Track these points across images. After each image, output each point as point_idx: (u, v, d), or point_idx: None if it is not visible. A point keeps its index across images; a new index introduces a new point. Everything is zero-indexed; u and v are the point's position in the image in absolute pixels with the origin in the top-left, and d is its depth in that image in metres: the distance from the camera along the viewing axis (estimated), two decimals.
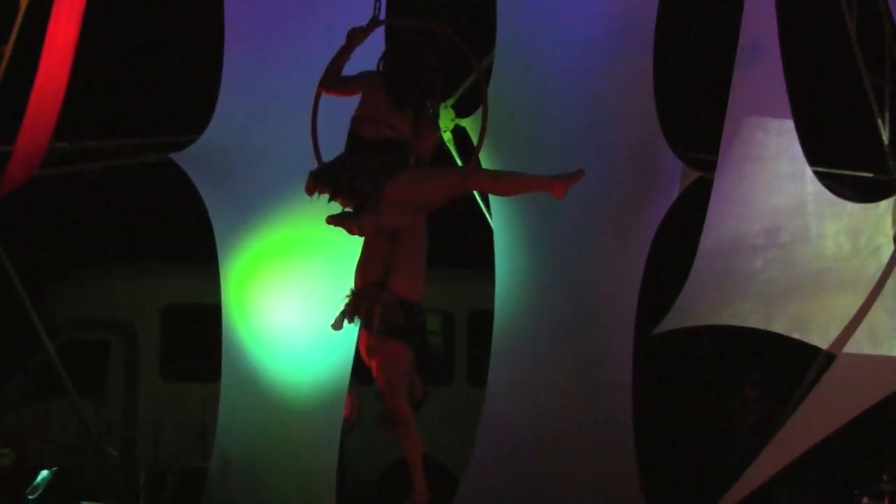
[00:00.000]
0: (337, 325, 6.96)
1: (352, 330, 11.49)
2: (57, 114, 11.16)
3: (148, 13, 15.07)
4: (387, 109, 6.54)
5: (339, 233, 7.29)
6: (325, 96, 7.08)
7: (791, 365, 11.95)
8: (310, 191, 6.57)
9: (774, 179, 10.99)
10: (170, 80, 15.43)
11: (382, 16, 6.98)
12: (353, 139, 6.56)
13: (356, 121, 6.60)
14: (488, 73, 11.20)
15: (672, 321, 11.19)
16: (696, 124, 12.88)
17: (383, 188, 6.41)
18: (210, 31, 12.06)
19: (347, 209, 6.62)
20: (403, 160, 6.54)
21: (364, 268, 6.71)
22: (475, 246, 12.48)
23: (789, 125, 10.83)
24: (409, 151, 6.60)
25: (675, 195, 11.88)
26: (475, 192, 12.28)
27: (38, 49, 10.87)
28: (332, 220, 6.55)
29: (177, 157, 11.89)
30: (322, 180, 6.50)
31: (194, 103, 12.60)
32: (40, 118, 11.12)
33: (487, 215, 12.31)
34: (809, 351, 11.12)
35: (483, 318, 13.18)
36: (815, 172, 11.11)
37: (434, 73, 6.80)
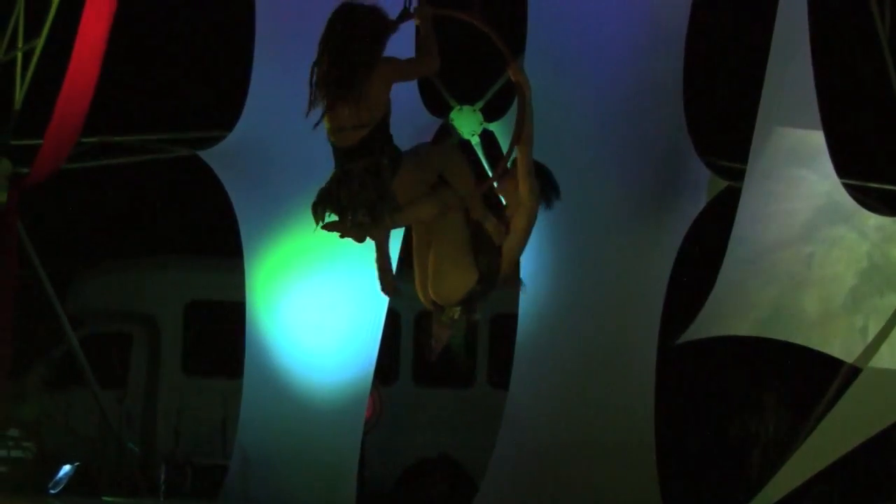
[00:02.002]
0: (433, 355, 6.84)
1: (376, 331, 11.60)
2: (86, 108, 11.19)
3: (179, 10, 15.09)
4: (345, 110, 6.29)
5: None
6: None
7: (815, 377, 11.90)
8: (317, 220, 6.40)
9: (803, 191, 10.93)
10: (200, 78, 15.45)
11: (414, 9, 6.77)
12: (336, 152, 6.38)
13: (328, 133, 6.40)
14: None
15: (696, 331, 11.15)
16: (725, 133, 12.83)
17: (391, 189, 6.26)
18: (241, 29, 12.08)
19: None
20: (395, 154, 6.38)
21: (422, 286, 6.58)
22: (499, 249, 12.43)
23: (819, 137, 10.76)
24: (388, 139, 6.39)
25: (702, 204, 11.86)
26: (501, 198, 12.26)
27: (69, 44, 10.91)
28: (329, 227, 6.31)
29: (204, 154, 11.93)
30: (322, 206, 6.34)
31: (223, 101, 12.63)
32: (70, 112, 11.16)
33: None
34: (834, 364, 11.07)
35: (504, 322, 13.16)
36: (845, 185, 11.04)
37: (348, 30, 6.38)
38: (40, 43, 11.61)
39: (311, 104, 6.20)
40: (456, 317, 6.49)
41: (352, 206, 6.16)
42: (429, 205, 6.29)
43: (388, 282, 6.65)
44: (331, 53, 6.20)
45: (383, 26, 6.31)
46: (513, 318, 12.04)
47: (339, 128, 6.18)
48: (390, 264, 6.65)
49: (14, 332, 11.84)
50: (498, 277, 6.48)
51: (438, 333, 6.64)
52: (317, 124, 6.20)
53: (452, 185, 6.33)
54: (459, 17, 6.53)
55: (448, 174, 6.37)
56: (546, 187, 6.56)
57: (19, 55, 11.86)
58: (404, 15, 6.52)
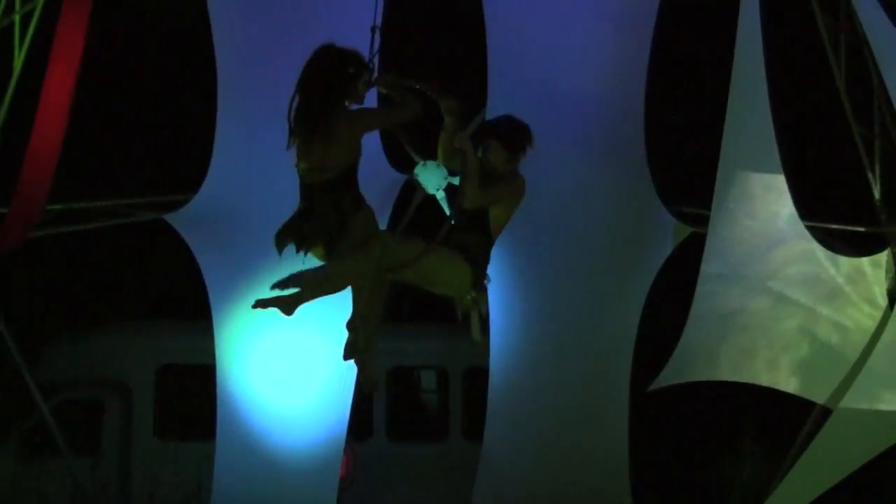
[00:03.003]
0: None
1: (348, 388, 11.58)
2: (52, 175, 11.19)
3: (141, 74, 15.15)
4: (314, 149, 6.51)
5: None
6: None
7: (787, 420, 11.94)
8: (279, 249, 6.65)
9: (767, 234, 11.01)
10: (163, 141, 15.49)
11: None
12: (303, 189, 6.60)
13: (299, 170, 6.62)
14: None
15: (667, 377, 11.18)
16: (688, 180, 12.94)
17: (348, 223, 6.48)
18: (204, 90, 12.13)
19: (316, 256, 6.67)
20: (358, 196, 6.59)
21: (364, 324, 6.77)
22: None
23: (780, 180, 10.87)
24: (356, 180, 6.63)
25: (668, 251, 11.94)
26: None
27: (32, 110, 10.92)
28: (260, 303, 6.59)
29: (170, 217, 11.92)
30: (284, 235, 6.57)
31: (187, 163, 12.66)
32: (35, 180, 11.15)
33: None
34: (805, 405, 11.12)
35: (477, 375, 13.18)
36: (808, 227, 11.14)
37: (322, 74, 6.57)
38: (2, 112, 11.61)
39: (289, 139, 6.46)
40: (475, 295, 6.76)
41: (310, 238, 6.38)
42: (362, 261, 6.45)
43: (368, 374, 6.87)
44: (300, 91, 6.42)
45: (354, 70, 6.48)
46: (484, 370, 12.06)
47: (309, 167, 6.38)
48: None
49: None
50: (489, 253, 6.72)
51: (471, 315, 6.95)
52: (297, 164, 6.43)
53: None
54: (421, 89, 6.70)
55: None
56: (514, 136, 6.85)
57: None
58: (368, 84, 6.67)
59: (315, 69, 6.54)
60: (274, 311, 11.17)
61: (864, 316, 10.79)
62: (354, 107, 6.69)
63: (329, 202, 6.46)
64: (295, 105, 6.55)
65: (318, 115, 6.42)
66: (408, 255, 6.57)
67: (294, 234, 6.55)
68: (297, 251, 6.58)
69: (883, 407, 10.13)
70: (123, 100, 15.35)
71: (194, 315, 12.81)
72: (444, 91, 6.76)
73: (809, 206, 11.41)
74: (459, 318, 7.12)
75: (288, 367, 11.52)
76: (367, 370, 6.99)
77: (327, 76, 6.49)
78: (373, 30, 7.10)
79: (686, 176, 13.31)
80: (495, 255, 11.67)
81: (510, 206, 7.03)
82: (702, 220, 11.62)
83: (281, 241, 6.61)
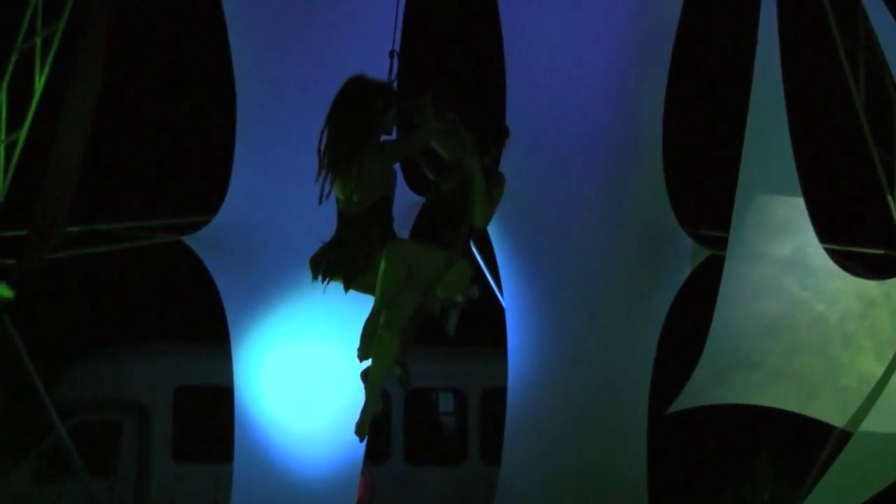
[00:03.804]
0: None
1: None
2: (70, 197, 11.23)
3: (161, 97, 15.21)
4: (349, 181, 6.54)
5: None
6: None
7: (807, 443, 11.89)
8: (314, 275, 6.68)
9: (786, 257, 10.99)
10: (183, 163, 15.54)
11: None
12: (339, 219, 6.64)
13: (336, 200, 6.65)
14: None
15: (685, 400, 11.15)
16: (706, 203, 12.93)
17: (374, 257, 6.51)
18: (223, 113, 12.17)
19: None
20: (387, 231, 6.61)
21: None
22: (486, 325, 12.50)
23: (799, 202, 10.86)
24: (388, 212, 6.67)
25: (686, 273, 11.92)
26: (486, 272, 12.40)
27: (52, 133, 10.98)
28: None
29: (189, 239, 11.95)
30: (316, 261, 6.59)
31: (206, 186, 12.70)
32: (54, 201, 11.20)
33: (499, 294, 12.34)
34: (825, 429, 11.06)
35: (495, 396, 13.15)
36: (827, 249, 11.11)
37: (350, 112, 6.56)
38: (23, 134, 11.66)
39: (319, 171, 6.47)
40: (461, 298, 6.81)
41: (334, 267, 6.41)
42: (391, 276, 6.48)
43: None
44: (332, 125, 6.43)
45: (383, 103, 6.51)
46: (502, 392, 12.04)
47: (343, 198, 6.42)
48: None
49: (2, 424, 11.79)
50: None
51: (451, 313, 6.90)
52: (326, 196, 6.43)
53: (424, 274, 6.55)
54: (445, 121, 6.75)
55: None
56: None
57: (1, 147, 11.91)
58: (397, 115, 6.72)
59: (344, 103, 6.55)
60: (290, 331, 11.36)
61: (883, 339, 10.75)
62: (384, 138, 6.71)
63: (357, 234, 6.49)
64: (325, 138, 6.56)
65: (348, 148, 6.44)
66: (436, 264, 6.58)
67: (321, 262, 6.58)
68: (323, 280, 6.59)
69: None
70: (143, 122, 15.41)
71: (212, 337, 12.82)
72: (450, 118, 6.81)
73: (828, 228, 11.40)
74: (449, 327, 7.09)
75: (305, 389, 11.52)
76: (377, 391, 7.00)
77: (357, 110, 6.50)
78: (391, 54, 7.12)
79: (704, 199, 13.30)
80: (512, 279, 11.86)
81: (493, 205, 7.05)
82: (720, 243, 11.60)
83: (315, 266, 6.64)
